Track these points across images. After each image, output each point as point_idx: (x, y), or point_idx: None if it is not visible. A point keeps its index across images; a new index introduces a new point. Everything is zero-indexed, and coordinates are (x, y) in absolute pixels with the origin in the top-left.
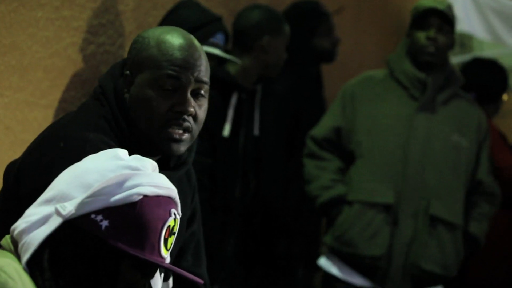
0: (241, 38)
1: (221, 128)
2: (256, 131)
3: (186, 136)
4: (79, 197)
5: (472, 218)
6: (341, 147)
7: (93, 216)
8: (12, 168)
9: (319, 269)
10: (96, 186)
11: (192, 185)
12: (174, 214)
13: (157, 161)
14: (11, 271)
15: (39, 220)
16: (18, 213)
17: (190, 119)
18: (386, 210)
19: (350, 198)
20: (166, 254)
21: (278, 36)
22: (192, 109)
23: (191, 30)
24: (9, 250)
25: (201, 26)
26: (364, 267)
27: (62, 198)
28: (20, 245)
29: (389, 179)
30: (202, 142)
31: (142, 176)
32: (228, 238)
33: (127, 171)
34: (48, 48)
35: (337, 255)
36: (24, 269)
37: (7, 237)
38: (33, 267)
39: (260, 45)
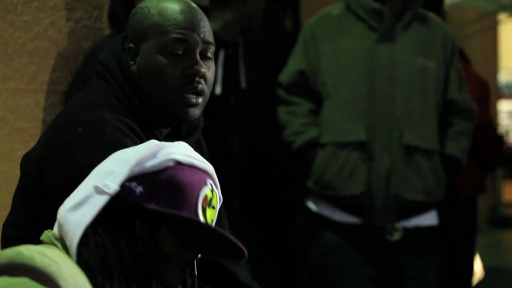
0: None
1: (212, 87)
2: (243, 84)
3: (200, 99)
4: (120, 171)
5: (449, 138)
6: (309, 90)
7: (127, 183)
8: (30, 161)
9: None
10: (136, 157)
11: (204, 151)
12: (211, 185)
13: (169, 131)
14: (53, 255)
15: (79, 201)
16: (44, 206)
17: (202, 81)
18: (360, 147)
19: (323, 140)
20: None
21: None
22: (203, 70)
23: None
24: (51, 244)
25: None
26: (348, 206)
27: (98, 176)
28: (65, 231)
29: (359, 115)
30: None
31: (176, 147)
32: (233, 194)
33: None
34: (29, 32)
35: (320, 197)
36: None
37: (46, 232)
38: (80, 247)
39: None
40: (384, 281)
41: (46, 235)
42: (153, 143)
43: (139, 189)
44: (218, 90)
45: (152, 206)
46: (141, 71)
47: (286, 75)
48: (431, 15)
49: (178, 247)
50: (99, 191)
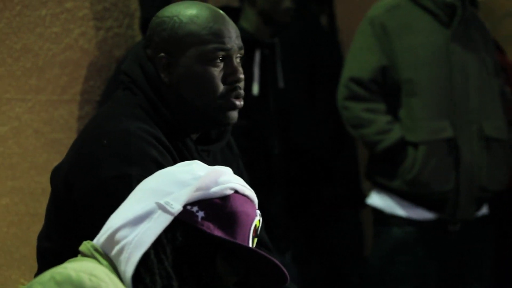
0: None
1: (250, 87)
2: (281, 84)
3: (241, 103)
4: (181, 193)
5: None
6: (385, 86)
7: (188, 207)
8: (58, 174)
9: (364, 206)
10: (198, 182)
11: (235, 153)
12: (259, 215)
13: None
14: (101, 274)
15: (139, 216)
16: (74, 219)
17: (240, 85)
18: (448, 144)
19: (413, 139)
20: None
21: None
22: (242, 76)
23: None
24: (91, 256)
25: None
26: (433, 202)
27: (156, 193)
28: (120, 245)
29: (443, 112)
30: None
31: (231, 175)
32: (275, 194)
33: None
34: (59, 44)
35: (405, 196)
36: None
37: (85, 243)
38: (139, 263)
39: None
40: (448, 273)
41: (85, 246)
42: (213, 169)
43: (200, 214)
44: (255, 90)
45: (215, 232)
46: (181, 81)
47: (365, 71)
48: (472, 8)
49: (229, 272)
50: (162, 208)
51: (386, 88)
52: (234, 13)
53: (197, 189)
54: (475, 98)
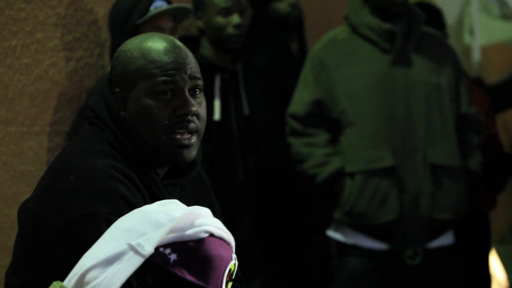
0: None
1: (211, 112)
2: (246, 111)
3: (194, 139)
4: (154, 234)
5: (468, 154)
6: (324, 119)
7: (161, 249)
8: (26, 210)
9: None
10: (172, 224)
11: (205, 183)
12: (235, 259)
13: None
14: None
15: (110, 257)
16: (43, 256)
17: (194, 118)
18: (388, 172)
19: (350, 169)
20: None
21: (205, 9)
22: (194, 108)
23: (131, 7)
24: None
25: (136, 1)
26: (380, 233)
27: (130, 233)
28: (90, 287)
29: (383, 140)
30: None
31: (207, 217)
32: (241, 220)
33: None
34: (29, 75)
35: (350, 227)
36: None
37: (55, 283)
38: None
39: (198, 26)
40: None
41: (54, 286)
42: (189, 211)
43: (173, 256)
44: (217, 115)
45: (186, 276)
46: (132, 116)
47: (299, 106)
48: (434, 31)
49: None
50: (133, 250)
51: (328, 120)
52: (194, 42)
53: (171, 231)
54: (420, 125)
